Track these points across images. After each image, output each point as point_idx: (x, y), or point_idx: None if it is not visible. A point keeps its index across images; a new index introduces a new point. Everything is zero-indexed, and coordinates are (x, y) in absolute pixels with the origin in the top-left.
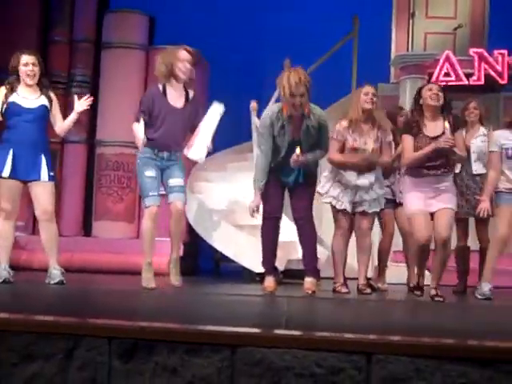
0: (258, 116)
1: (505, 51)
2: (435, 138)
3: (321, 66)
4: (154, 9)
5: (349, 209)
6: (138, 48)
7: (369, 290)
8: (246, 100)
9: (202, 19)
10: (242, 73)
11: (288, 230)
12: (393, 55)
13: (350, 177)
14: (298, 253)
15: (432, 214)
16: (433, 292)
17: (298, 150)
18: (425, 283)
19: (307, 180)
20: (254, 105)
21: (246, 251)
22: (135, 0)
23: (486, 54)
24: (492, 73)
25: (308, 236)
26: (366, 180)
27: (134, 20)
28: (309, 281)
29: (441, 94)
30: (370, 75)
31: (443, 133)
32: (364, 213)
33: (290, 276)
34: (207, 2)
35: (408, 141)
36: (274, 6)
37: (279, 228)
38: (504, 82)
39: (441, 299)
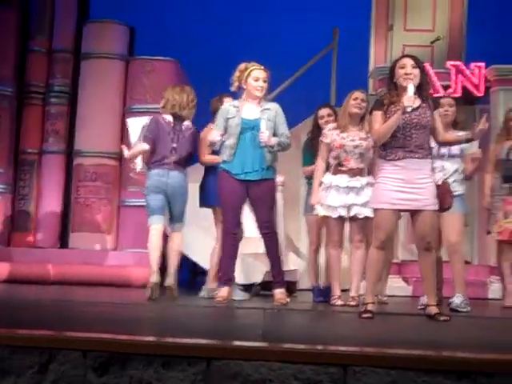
0: None
1: (481, 64)
2: (411, 111)
3: (300, 77)
4: (133, 20)
5: (343, 213)
6: (118, 58)
7: (354, 303)
8: None
9: (181, 30)
10: (220, 84)
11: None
12: (371, 67)
13: (342, 179)
14: None
15: (401, 210)
16: (434, 310)
17: (262, 123)
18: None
19: (268, 180)
20: None
21: None
22: (115, 11)
23: (463, 66)
24: (469, 85)
25: (275, 248)
26: (357, 182)
27: (114, 30)
28: (280, 292)
29: (416, 72)
30: (349, 87)
31: (420, 106)
32: (355, 218)
33: (268, 288)
34: (187, 14)
35: (377, 116)
36: (254, 18)
37: (238, 242)
38: (480, 94)
39: (447, 318)
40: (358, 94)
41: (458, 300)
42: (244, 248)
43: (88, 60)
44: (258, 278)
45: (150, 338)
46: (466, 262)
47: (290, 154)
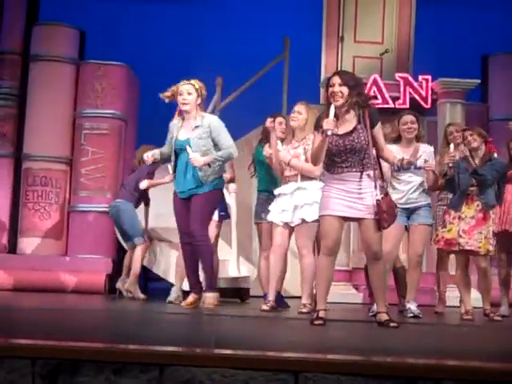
0: None
1: (428, 76)
2: (344, 136)
3: (253, 85)
4: (85, 23)
5: (288, 218)
6: (68, 62)
7: (306, 310)
8: None
9: (133, 35)
10: None
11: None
12: (322, 77)
13: (285, 187)
14: (230, 271)
15: (345, 219)
16: (384, 317)
17: (188, 149)
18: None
19: (203, 193)
20: None
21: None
22: (66, 13)
23: (410, 78)
24: (416, 97)
25: (205, 253)
26: (288, 188)
27: (64, 33)
28: (210, 296)
29: (344, 90)
30: (301, 95)
31: (354, 129)
32: (296, 225)
33: (221, 294)
34: (139, 18)
35: (314, 137)
36: (207, 25)
37: (193, 251)
38: (428, 106)
39: (396, 325)
40: (297, 107)
41: (413, 306)
42: None
43: (37, 62)
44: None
45: (102, 345)
46: None
47: (242, 161)
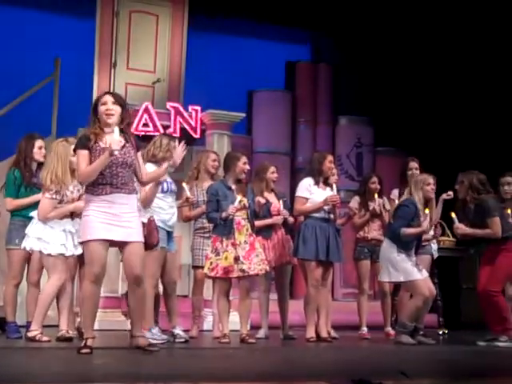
0: None
1: (198, 107)
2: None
3: (20, 107)
4: None
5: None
6: None
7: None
8: None
9: None
10: None
11: None
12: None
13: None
14: None
15: (110, 243)
16: (142, 341)
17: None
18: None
19: None
20: None
21: None
22: None
23: (181, 108)
24: (186, 127)
25: None
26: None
27: None
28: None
29: (117, 108)
30: (73, 117)
31: (123, 146)
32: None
33: None
34: None
35: (83, 156)
36: None
37: None
38: (197, 136)
39: (156, 349)
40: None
41: (180, 331)
42: None
43: None
44: None
45: None
46: (184, 296)
47: None
